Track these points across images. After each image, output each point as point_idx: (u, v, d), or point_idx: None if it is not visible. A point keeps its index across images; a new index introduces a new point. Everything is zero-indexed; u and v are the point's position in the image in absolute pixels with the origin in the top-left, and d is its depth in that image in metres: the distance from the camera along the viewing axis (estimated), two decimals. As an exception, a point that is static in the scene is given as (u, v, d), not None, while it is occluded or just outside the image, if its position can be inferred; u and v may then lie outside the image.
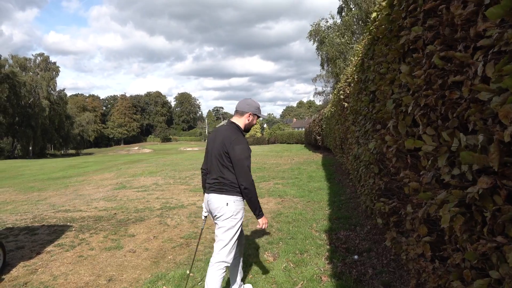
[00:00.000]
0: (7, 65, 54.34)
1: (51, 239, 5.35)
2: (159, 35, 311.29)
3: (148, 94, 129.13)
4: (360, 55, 4.81)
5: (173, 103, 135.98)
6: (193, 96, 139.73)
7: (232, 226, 2.97)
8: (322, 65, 31.00)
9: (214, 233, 5.42)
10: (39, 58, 62.53)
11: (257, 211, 2.99)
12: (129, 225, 6.03)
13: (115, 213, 6.99)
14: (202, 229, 3.62)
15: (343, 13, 28.99)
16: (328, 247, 4.58)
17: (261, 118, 3.32)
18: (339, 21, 29.31)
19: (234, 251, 3.05)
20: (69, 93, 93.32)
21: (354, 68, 5.54)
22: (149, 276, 3.98)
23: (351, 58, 7.44)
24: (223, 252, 2.97)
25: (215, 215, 3.01)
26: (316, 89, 36.45)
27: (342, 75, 8.79)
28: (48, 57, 63.37)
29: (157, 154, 42.10)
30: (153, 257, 4.55)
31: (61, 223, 6.33)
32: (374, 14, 3.55)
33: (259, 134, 56.03)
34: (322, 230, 5.28)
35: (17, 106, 54.36)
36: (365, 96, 4.21)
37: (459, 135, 1.45)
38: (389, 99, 2.66)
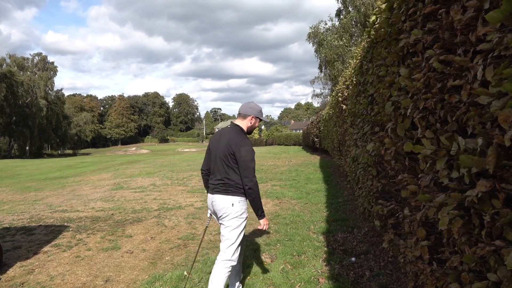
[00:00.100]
0: (4, 65, 54.26)
1: (48, 239, 5.34)
2: (157, 36, 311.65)
3: (146, 95, 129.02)
4: (359, 57, 4.83)
5: (171, 104, 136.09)
6: (191, 97, 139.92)
7: (238, 225, 3.05)
8: (320, 67, 31.03)
9: (211, 234, 5.42)
10: (37, 57, 62.33)
11: (259, 212, 3.06)
12: (127, 226, 6.02)
13: (113, 214, 6.98)
14: (207, 226, 3.68)
15: (341, 16, 29.04)
16: (325, 249, 4.59)
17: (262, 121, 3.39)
18: (337, 23, 29.36)
19: (239, 251, 3.14)
20: (66, 93, 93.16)
21: (353, 71, 5.56)
22: (147, 277, 3.97)
23: (350, 61, 7.46)
24: (229, 250, 3.05)
25: (221, 216, 3.08)
26: (314, 91, 36.44)
27: (340, 77, 8.81)
28: (46, 56, 63.21)
29: (154, 155, 42.05)
30: (150, 258, 4.54)
31: (58, 223, 6.31)
32: (373, 17, 3.55)
33: (256, 136, 56.01)
34: (320, 232, 5.29)
35: (15, 105, 54.17)
36: (363, 99, 4.22)
37: (458, 139, 1.46)
38: (388, 101, 2.67)
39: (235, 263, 3.10)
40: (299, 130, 58.18)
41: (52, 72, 62.97)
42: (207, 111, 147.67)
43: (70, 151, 72.03)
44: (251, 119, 3.21)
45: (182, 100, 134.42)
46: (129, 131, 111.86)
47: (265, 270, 3.96)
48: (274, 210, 6.86)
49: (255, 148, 3.45)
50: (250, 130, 3.26)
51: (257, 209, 3.05)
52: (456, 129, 1.62)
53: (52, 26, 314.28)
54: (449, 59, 1.56)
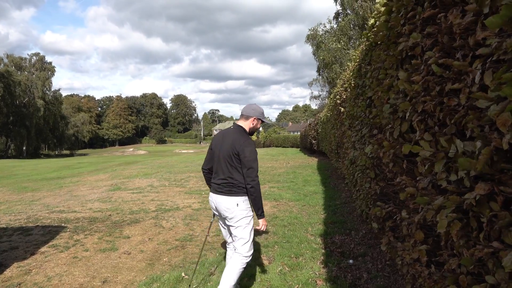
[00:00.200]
0: (2, 64, 54.17)
1: (46, 240, 5.32)
2: (156, 37, 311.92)
3: (144, 96, 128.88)
4: (358, 60, 4.85)
5: (169, 105, 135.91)
6: (189, 98, 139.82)
7: (247, 223, 3.18)
8: (318, 70, 31.12)
9: (209, 235, 5.41)
10: (34, 57, 62.20)
11: (260, 211, 3.14)
12: (124, 227, 6.01)
13: (110, 215, 6.96)
14: (211, 222, 3.76)
15: (339, 19, 29.12)
16: (323, 251, 4.60)
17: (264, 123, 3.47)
18: (335, 26, 29.44)
19: (253, 247, 3.24)
20: (64, 93, 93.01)
21: (351, 73, 5.58)
22: (144, 278, 3.97)
23: (348, 64, 7.48)
24: (244, 248, 3.16)
25: (227, 216, 3.18)
26: (312, 93, 36.52)
27: (339, 79, 8.83)
28: (43, 56, 63.06)
29: (152, 156, 41.99)
30: (148, 259, 4.53)
31: (56, 224, 6.29)
32: (372, 21, 3.57)
33: (254, 137, 56.06)
34: (317, 234, 5.30)
35: (12, 105, 54.01)
36: (362, 101, 4.24)
37: (456, 141, 1.47)
38: (386, 104, 2.69)
39: (250, 260, 3.21)
40: (297, 132, 58.21)
41: (49, 72, 62.83)
42: (205, 113, 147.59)
43: (67, 152, 71.75)
44: (253, 121, 3.31)
45: (180, 101, 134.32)
46: (127, 132, 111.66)
47: (262, 272, 3.96)
48: (272, 212, 6.86)
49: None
50: (252, 131, 3.36)
51: (258, 209, 3.13)
52: (455, 132, 1.63)
53: (50, 26, 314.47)
54: (448, 63, 1.57)
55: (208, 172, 3.44)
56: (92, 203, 8.30)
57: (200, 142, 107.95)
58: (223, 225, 3.46)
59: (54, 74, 63.75)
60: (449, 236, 1.59)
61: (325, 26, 30.11)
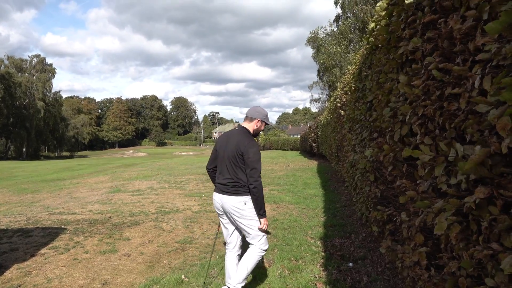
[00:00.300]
0: (2, 66, 54.29)
1: (46, 242, 5.32)
2: (156, 39, 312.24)
3: (144, 98, 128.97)
4: (358, 64, 4.87)
5: (169, 107, 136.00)
6: (189, 100, 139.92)
7: (258, 219, 3.28)
8: (319, 73, 31.19)
9: (209, 238, 5.43)
10: (35, 59, 62.36)
11: (261, 211, 3.24)
12: (124, 229, 6.01)
13: (110, 217, 6.97)
14: (219, 225, 3.75)
15: (339, 22, 29.21)
16: (323, 254, 4.60)
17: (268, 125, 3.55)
18: (336, 29, 29.53)
19: (266, 238, 3.37)
20: (64, 95, 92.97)
21: (352, 77, 5.60)
22: (144, 280, 3.97)
23: (348, 67, 7.50)
24: (261, 242, 3.30)
25: (235, 216, 3.27)
26: (312, 96, 36.46)
27: (339, 83, 8.85)
28: (44, 58, 63.22)
29: (152, 158, 42.00)
30: (148, 261, 4.54)
31: (56, 226, 6.29)
32: (372, 24, 3.60)
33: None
34: (317, 237, 5.30)
35: (12, 107, 54.12)
36: (362, 105, 4.26)
37: (456, 145, 1.48)
38: (387, 107, 2.70)
39: (265, 252, 3.36)
40: (297, 135, 58.24)
41: (50, 74, 62.98)
42: (205, 115, 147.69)
43: (67, 153, 71.76)
44: (257, 123, 3.42)
45: (180, 103, 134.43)
46: (127, 134, 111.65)
47: (262, 275, 3.96)
48: (271, 214, 6.87)
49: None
50: (256, 133, 3.45)
51: (259, 208, 3.23)
52: (455, 136, 1.65)
53: (51, 28, 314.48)
54: (448, 67, 1.59)
55: (212, 171, 3.55)
56: (92, 205, 8.30)
57: (200, 145, 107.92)
58: (225, 224, 3.49)
59: (54, 76, 63.98)
60: (449, 239, 1.60)
61: (326, 29, 30.21)
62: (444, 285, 1.79)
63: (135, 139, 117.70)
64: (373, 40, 3.54)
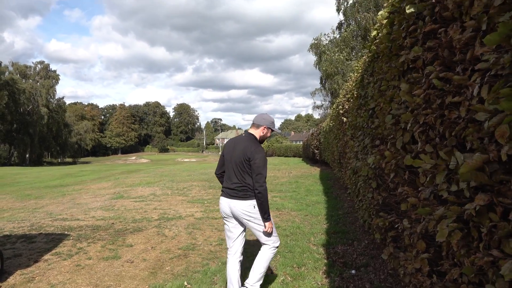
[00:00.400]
0: (7, 72, 54.56)
1: (49, 248, 5.34)
2: (159, 46, 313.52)
3: (147, 104, 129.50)
4: (360, 71, 4.90)
5: (171, 114, 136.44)
6: (192, 107, 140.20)
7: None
8: (321, 80, 31.30)
9: (211, 244, 5.43)
10: (39, 65, 62.82)
11: (266, 215, 3.34)
12: (127, 235, 6.03)
13: (113, 223, 6.98)
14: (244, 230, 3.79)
15: (342, 29, 29.35)
16: (325, 261, 4.60)
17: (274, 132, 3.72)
18: (338, 36, 29.66)
19: (276, 234, 3.52)
20: (68, 101, 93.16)
21: (354, 84, 5.63)
22: (147, 286, 3.98)
23: (350, 74, 7.54)
24: (272, 240, 3.44)
25: (246, 219, 3.38)
26: (314, 102, 36.57)
27: (341, 90, 8.89)
28: (48, 65, 63.72)
29: (154, 165, 42.05)
30: (150, 268, 4.55)
31: (59, 232, 6.31)
32: (374, 32, 3.63)
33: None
34: (320, 244, 5.30)
35: (16, 113, 54.44)
36: (364, 112, 4.28)
37: (456, 153, 1.50)
38: (388, 115, 2.73)
39: (277, 249, 3.52)
40: (299, 142, 58.27)
41: (54, 80, 63.40)
42: (208, 122, 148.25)
43: (70, 160, 72.00)
44: (264, 129, 3.51)
45: (183, 110, 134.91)
46: (129, 140, 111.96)
47: (265, 282, 3.96)
48: (274, 221, 6.81)
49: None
50: (262, 139, 3.55)
51: (264, 212, 3.32)
52: (456, 144, 1.67)
53: (55, 35, 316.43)
54: (448, 76, 1.61)
55: (221, 176, 3.64)
56: (95, 211, 8.32)
57: (202, 151, 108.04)
58: (231, 228, 3.52)
59: (58, 82, 64.42)
60: (450, 246, 1.61)
61: (329, 36, 30.36)
62: (446, 292, 1.80)
63: (137, 146, 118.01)
64: (375, 48, 3.57)
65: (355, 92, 5.35)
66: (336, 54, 27.45)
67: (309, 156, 25.17)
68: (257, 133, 3.51)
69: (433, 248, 2.07)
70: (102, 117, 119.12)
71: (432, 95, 1.82)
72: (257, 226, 3.38)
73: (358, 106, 4.86)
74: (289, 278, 4.07)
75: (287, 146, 43.57)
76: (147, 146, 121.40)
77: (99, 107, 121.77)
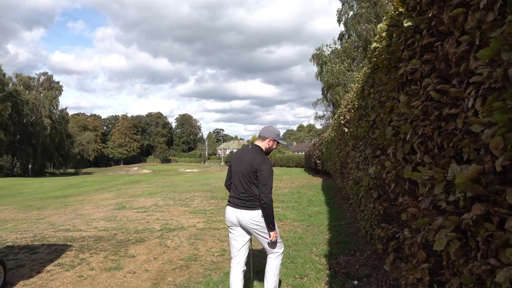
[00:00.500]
0: (11, 84, 55.04)
1: (51, 258, 5.36)
2: (162, 57, 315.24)
3: (149, 115, 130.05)
4: (361, 82, 4.95)
5: (174, 124, 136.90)
6: (194, 117, 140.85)
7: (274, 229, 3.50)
8: (323, 91, 31.47)
9: (213, 255, 5.43)
10: (42, 77, 63.31)
11: (271, 224, 3.40)
12: (129, 246, 6.03)
13: (115, 234, 7.00)
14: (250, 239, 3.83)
15: (343, 40, 29.58)
16: (327, 271, 4.59)
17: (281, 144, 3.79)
18: (339, 47, 29.88)
19: (281, 242, 3.65)
20: (71, 112, 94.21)
21: (355, 95, 5.67)
22: (149, 297, 3.98)
23: (351, 85, 7.60)
24: (277, 247, 3.55)
25: (253, 228, 3.44)
26: (316, 113, 36.67)
27: (342, 100, 8.94)
28: (51, 76, 64.23)
29: (156, 175, 42.07)
30: (153, 279, 4.55)
31: (61, 243, 6.33)
32: (374, 44, 3.68)
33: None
34: (322, 255, 5.29)
35: (19, 124, 54.74)
36: (365, 123, 4.32)
37: (452, 165, 1.53)
38: (389, 126, 2.76)
39: (282, 254, 3.64)
40: (301, 152, 58.23)
41: (57, 92, 63.83)
42: (210, 132, 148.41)
43: (72, 170, 72.03)
44: (269, 141, 3.60)
45: (185, 120, 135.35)
46: (132, 150, 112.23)
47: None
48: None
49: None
50: (268, 151, 3.63)
51: (269, 222, 3.38)
52: (453, 155, 1.70)
53: (59, 46, 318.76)
54: (445, 89, 1.65)
55: (231, 187, 3.71)
56: (97, 222, 8.34)
57: (204, 162, 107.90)
58: (236, 237, 3.55)
59: (61, 93, 64.82)
60: (449, 256, 1.63)
61: (331, 47, 30.60)
62: (446, 302, 1.81)
63: (140, 156, 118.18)
64: (375, 59, 3.62)
65: (356, 103, 5.39)
66: (338, 65, 27.64)
67: (311, 166, 25.16)
68: (263, 145, 3.59)
69: (433, 258, 2.09)
70: (105, 127, 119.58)
71: (430, 107, 1.86)
72: (265, 235, 3.45)
73: (359, 116, 4.90)
74: (291, 289, 4.06)
75: (289, 156, 43.58)
76: (149, 156, 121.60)
77: (102, 118, 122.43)
